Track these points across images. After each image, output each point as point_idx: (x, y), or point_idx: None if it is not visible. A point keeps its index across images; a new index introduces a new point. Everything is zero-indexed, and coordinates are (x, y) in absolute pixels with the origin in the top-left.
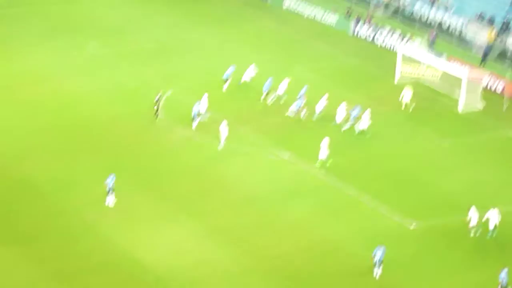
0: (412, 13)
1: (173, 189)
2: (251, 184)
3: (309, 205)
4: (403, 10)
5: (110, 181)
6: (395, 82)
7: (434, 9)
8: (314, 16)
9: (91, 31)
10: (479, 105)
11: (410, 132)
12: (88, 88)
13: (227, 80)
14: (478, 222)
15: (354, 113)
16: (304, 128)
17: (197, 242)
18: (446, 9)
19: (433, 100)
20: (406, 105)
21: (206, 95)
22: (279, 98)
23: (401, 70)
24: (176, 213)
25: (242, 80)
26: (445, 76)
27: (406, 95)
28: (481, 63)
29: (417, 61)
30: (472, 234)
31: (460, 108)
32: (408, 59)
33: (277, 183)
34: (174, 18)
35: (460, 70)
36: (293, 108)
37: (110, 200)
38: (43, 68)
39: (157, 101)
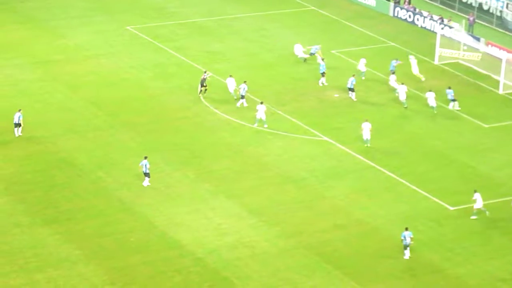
0: None
1: (212, 168)
2: (290, 164)
3: (347, 186)
4: None
5: (144, 165)
6: (435, 63)
7: None
8: None
9: (131, 11)
10: None
11: (450, 113)
12: (128, 67)
13: (312, 55)
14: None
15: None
16: (345, 109)
17: (236, 222)
18: None
19: (473, 81)
20: (417, 76)
21: (232, 78)
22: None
23: (441, 52)
24: (214, 193)
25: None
26: (485, 58)
27: (414, 67)
28: None
29: (457, 42)
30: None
31: (501, 89)
32: (448, 41)
33: (316, 163)
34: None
35: (500, 52)
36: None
37: (146, 182)
38: (85, 47)
39: (202, 82)
